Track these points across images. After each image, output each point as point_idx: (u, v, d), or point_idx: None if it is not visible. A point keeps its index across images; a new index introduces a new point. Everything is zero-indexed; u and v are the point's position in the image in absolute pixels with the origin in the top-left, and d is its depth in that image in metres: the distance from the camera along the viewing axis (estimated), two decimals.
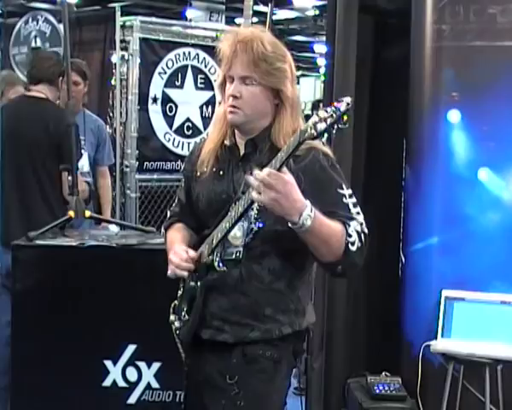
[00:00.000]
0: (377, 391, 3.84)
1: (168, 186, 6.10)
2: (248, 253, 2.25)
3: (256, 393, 2.26)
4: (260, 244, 2.25)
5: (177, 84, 6.16)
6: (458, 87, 3.94)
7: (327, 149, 2.29)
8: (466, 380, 3.86)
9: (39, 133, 3.96)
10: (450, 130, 3.95)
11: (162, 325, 2.47)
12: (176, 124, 6.18)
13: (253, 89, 2.26)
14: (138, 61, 5.90)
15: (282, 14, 14.68)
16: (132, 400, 3.38)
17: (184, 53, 6.18)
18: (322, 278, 3.98)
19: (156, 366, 3.37)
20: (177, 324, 2.39)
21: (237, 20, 12.26)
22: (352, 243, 2.17)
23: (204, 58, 6.24)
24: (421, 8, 3.95)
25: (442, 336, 3.85)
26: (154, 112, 6.05)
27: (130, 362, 3.36)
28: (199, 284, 2.30)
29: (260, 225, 2.24)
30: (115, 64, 5.90)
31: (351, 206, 2.23)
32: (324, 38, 4.43)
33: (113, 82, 5.96)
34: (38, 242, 3.39)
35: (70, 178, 3.75)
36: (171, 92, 6.13)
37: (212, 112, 6.20)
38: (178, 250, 2.31)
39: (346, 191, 2.25)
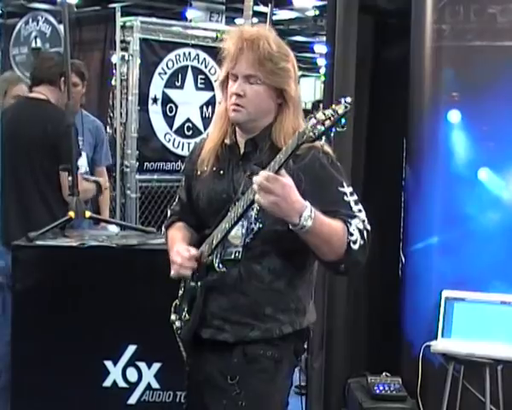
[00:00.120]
0: (377, 391, 3.84)
1: (168, 187, 6.09)
2: (248, 253, 2.25)
3: (257, 393, 2.26)
4: (260, 244, 2.25)
5: (178, 84, 6.15)
6: (458, 87, 3.94)
7: (327, 148, 2.28)
8: (466, 380, 3.86)
9: (37, 134, 3.96)
10: (450, 130, 3.95)
11: (162, 325, 2.48)
12: (176, 124, 6.17)
13: (257, 88, 2.26)
14: (138, 61, 5.89)
15: (282, 14, 14.67)
16: (132, 400, 3.37)
17: (184, 53, 6.17)
18: (323, 277, 3.97)
19: (156, 366, 3.36)
20: (177, 323, 2.39)
21: (237, 21, 12.26)
22: (354, 242, 2.17)
23: (204, 58, 6.24)
24: (421, 8, 3.95)
25: (442, 336, 3.85)
26: (155, 112, 6.05)
27: (131, 362, 3.35)
28: (199, 284, 2.30)
29: (260, 225, 2.24)
30: (115, 64, 5.89)
31: (352, 203, 2.23)
32: (324, 39, 4.43)
33: (113, 82, 5.96)
34: (38, 242, 3.39)
35: (70, 178, 3.75)
36: (172, 93, 6.12)
37: (213, 112, 6.19)
38: (181, 250, 2.30)
39: (347, 189, 2.25)
